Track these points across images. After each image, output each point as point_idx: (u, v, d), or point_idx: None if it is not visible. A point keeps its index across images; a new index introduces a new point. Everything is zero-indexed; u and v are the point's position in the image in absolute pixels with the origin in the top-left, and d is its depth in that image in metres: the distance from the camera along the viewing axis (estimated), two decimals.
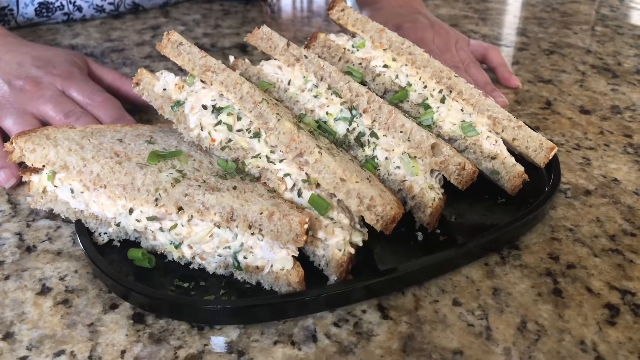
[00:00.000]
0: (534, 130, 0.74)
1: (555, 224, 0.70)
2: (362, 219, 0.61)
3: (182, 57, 0.68)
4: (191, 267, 0.61)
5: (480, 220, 0.70)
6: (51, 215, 0.70)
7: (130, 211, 0.61)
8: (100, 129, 0.70)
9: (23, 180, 0.67)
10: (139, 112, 0.91)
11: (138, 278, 0.60)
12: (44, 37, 1.29)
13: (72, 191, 0.64)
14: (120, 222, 0.62)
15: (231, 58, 0.78)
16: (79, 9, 1.36)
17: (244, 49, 1.23)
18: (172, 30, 0.69)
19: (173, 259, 0.62)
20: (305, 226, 0.55)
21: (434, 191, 0.66)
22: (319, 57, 0.76)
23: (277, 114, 0.63)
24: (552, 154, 0.73)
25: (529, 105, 1.00)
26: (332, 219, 0.59)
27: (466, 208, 0.71)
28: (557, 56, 1.21)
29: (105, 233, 0.65)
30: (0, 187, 0.75)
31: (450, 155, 0.66)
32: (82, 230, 0.64)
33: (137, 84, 0.70)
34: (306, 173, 0.61)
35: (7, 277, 0.61)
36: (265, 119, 0.63)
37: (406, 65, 0.78)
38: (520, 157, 0.74)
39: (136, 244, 0.64)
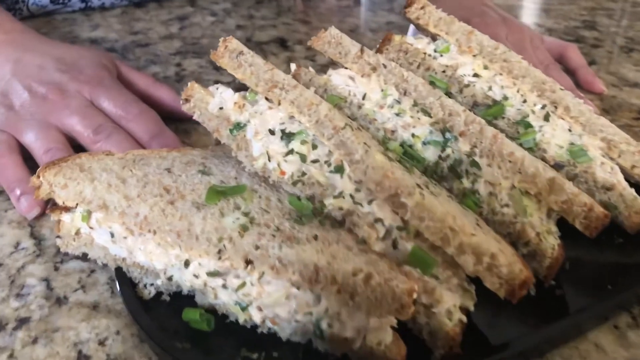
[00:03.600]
0: None
1: None
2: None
3: (243, 70, 0.56)
4: (259, 330, 0.50)
5: (598, 268, 0.58)
6: (83, 254, 0.58)
7: (186, 264, 0.50)
8: (143, 156, 0.58)
9: (52, 219, 0.56)
10: (174, 121, 0.80)
11: (194, 344, 0.49)
12: (59, 28, 1.17)
13: (112, 235, 0.52)
14: (172, 276, 0.51)
15: (292, 66, 0.66)
16: None
17: (283, 44, 1.11)
18: (230, 36, 0.57)
19: (237, 320, 0.51)
20: (415, 296, 0.43)
21: (552, 236, 0.54)
22: (395, 63, 0.63)
23: (365, 143, 0.51)
24: None
25: (619, 114, 0.88)
26: (437, 277, 0.48)
27: (579, 251, 0.59)
28: (638, 54, 1.07)
29: (152, 284, 0.53)
30: (21, 216, 0.64)
31: (574, 194, 0.53)
32: (124, 281, 0.53)
33: (187, 100, 0.58)
34: (402, 218, 0.49)
35: (35, 341, 0.50)
36: (349, 149, 0.51)
37: (501, 74, 0.65)
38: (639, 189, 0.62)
39: (189, 298, 0.52)
